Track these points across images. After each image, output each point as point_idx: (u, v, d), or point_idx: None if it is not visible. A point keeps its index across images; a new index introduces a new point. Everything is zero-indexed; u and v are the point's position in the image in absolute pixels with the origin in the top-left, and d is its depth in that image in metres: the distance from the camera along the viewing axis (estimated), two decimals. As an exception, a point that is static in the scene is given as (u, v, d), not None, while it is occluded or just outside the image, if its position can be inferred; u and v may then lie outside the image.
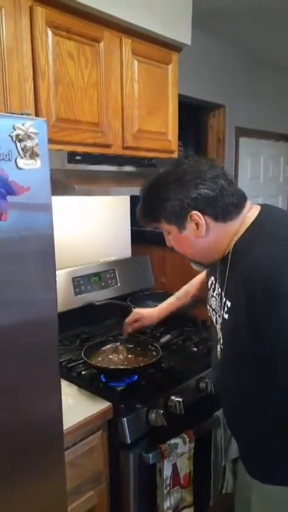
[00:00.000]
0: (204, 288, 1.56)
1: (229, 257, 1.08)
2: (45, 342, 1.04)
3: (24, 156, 0.89)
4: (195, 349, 1.73)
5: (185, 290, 1.66)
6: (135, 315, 1.69)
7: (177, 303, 1.67)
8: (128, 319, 1.69)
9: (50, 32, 1.43)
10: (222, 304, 1.11)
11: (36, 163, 0.92)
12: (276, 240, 1.00)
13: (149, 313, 1.69)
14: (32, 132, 0.90)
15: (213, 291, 1.20)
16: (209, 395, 1.53)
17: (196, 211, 1.04)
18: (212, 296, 1.21)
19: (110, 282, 2.08)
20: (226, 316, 1.09)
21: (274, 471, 1.11)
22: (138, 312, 1.70)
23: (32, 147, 0.90)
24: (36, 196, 0.95)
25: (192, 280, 1.67)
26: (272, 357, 0.97)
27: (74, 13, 1.50)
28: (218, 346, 1.16)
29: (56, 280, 1.03)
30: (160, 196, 1.07)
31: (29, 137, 0.89)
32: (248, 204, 1.10)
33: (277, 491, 1.10)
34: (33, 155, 0.90)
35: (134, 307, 1.93)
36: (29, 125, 0.90)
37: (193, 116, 3.37)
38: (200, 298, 1.60)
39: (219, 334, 1.15)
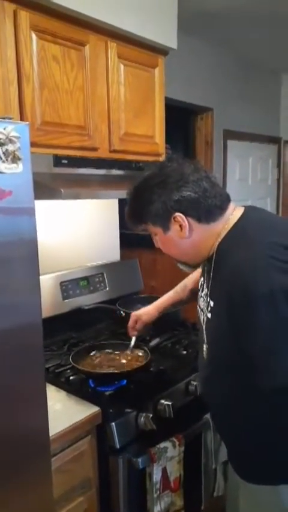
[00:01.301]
0: None
1: (213, 258, 1.10)
2: (29, 348, 1.02)
3: (6, 160, 0.88)
4: (185, 352, 1.73)
5: (183, 284, 1.64)
6: (133, 317, 1.64)
7: (174, 297, 1.64)
8: (129, 324, 1.64)
9: (34, 36, 1.43)
10: (207, 304, 1.13)
11: (18, 167, 0.91)
12: (255, 243, 1.02)
13: (146, 311, 1.65)
14: (13, 136, 0.89)
15: (202, 291, 1.22)
16: (199, 398, 1.52)
17: (179, 213, 1.07)
18: (201, 296, 1.23)
19: (98, 286, 2.07)
20: (209, 315, 1.12)
21: (259, 471, 1.11)
22: (135, 313, 1.65)
23: (14, 151, 0.89)
24: (19, 200, 0.94)
25: (191, 274, 1.63)
26: (249, 357, 0.99)
27: (58, 17, 1.49)
28: (204, 346, 1.17)
29: (39, 284, 1.02)
30: (145, 199, 1.10)
31: (11, 141, 0.88)
32: (232, 205, 1.12)
33: (262, 490, 1.11)
34: (15, 159, 0.90)
35: (123, 311, 1.93)
36: (11, 129, 0.89)
37: (181, 119, 3.38)
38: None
39: (205, 334, 1.16)
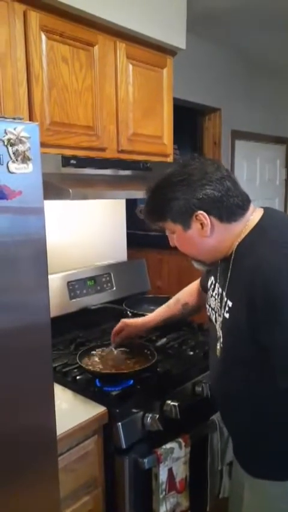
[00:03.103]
0: (198, 296, 1.56)
1: (232, 258, 1.10)
2: (37, 347, 1.03)
3: (16, 160, 0.89)
4: (192, 352, 1.73)
5: (175, 298, 1.63)
6: (121, 324, 1.63)
7: (166, 312, 1.62)
8: (114, 329, 1.63)
9: (44, 37, 1.43)
10: (223, 304, 1.13)
11: (28, 168, 0.92)
12: (275, 243, 1.02)
13: (134, 322, 1.64)
14: (23, 137, 0.89)
15: (213, 291, 1.22)
16: (205, 399, 1.52)
17: (202, 211, 1.06)
18: (211, 296, 1.23)
19: (105, 285, 2.07)
20: (227, 315, 1.11)
21: (267, 466, 1.12)
22: (124, 321, 1.65)
23: (24, 151, 0.90)
24: (28, 200, 0.95)
25: (185, 288, 1.64)
26: (271, 358, 0.99)
27: (68, 17, 1.50)
28: (218, 344, 1.17)
29: (48, 284, 1.03)
30: (167, 196, 1.09)
31: (21, 141, 0.89)
32: (252, 206, 1.12)
33: (269, 485, 1.12)
34: (25, 159, 0.90)
35: (129, 311, 1.93)
36: (21, 129, 0.89)
37: (189, 119, 3.37)
38: (194, 307, 1.59)
39: (219, 333, 1.16)
